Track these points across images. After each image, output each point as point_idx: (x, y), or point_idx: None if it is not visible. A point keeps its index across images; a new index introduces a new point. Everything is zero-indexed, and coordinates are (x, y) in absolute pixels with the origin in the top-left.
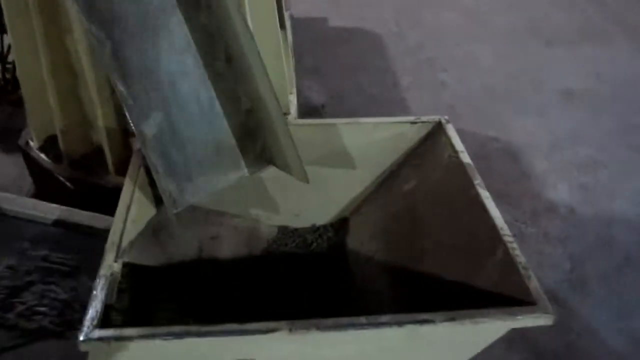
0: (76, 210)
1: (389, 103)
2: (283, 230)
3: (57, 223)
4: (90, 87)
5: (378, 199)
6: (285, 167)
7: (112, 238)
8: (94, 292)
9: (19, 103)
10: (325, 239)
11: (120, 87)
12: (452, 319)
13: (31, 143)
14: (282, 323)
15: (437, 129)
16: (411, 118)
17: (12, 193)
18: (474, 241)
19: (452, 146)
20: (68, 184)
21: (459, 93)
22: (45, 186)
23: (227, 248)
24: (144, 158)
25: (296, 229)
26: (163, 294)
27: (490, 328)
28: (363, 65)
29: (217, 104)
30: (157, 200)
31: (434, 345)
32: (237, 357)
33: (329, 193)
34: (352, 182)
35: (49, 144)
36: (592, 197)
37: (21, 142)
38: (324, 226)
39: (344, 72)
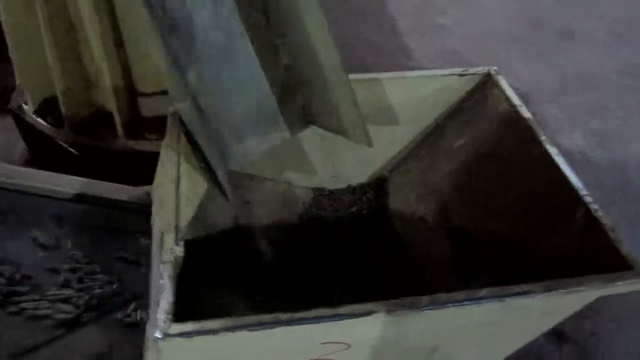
0: (98, 182)
1: (389, 50)
2: (319, 192)
3: (80, 197)
4: (94, 43)
5: (422, 156)
6: (339, 129)
7: (167, 218)
8: (161, 282)
9: None
10: (364, 201)
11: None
12: (550, 289)
13: (25, 107)
14: (379, 304)
15: (487, 81)
16: (458, 70)
17: (2, 161)
18: (545, 203)
19: (508, 99)
20: (72, 149)
21: (460, 37)
22: (44, 153)
23: (263, 214)
24: (182, 123)
25: (332, 191)
26: (204, 269)
27: (584, 296)
28: (358, 9)
29: (255, 59)
30: (207, 170)
31: (525, 316)
32: (326, 341)
33: (366, 151)
34: (392, 139)
35: (46, 107)
36: (605, 141)
37: (13, 105)
38: (362, 186)
39: (338, 17)
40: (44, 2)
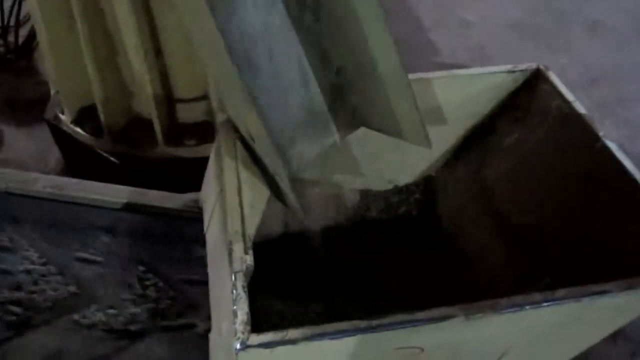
0: (144, 191)
1: (416, 46)
2: (365, 194)
3: (129, 207)
4: (133, 52)
5: (472, 155)
6: (396, 132)
7: (234, 226)
8: (236, 292)
9: (21, 72)
10: (412, 201)
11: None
12: (629, 288)
13: (61, 116)
14: (456, 309)
15: (537, 77)
16: (507, 67)
17: (35, 170)
18: (610, 200)
19: (561, 95)
20: (112, 158)
21: (485, 32)
22: (82, 162)
23: (313, 219)
24: (235, 129)
25: (379, 192)
26: (257, 277)
27: None
28: None
29: (305, 62)
30: (265, 177)
31: (600, 316)
32: (401, 346)
33: (413, 151)
34: (440, 139)
35: (83, 117)
36: (638, 132)
37: (48, 115)
38: (408, 186)
39: None
40: (82, 11)
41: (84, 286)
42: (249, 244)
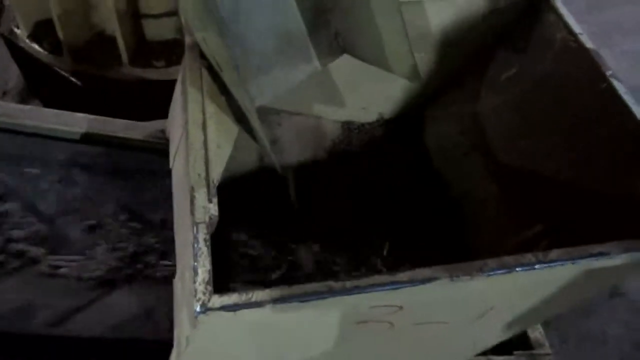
0: (106, 119)
1: None
2: (348, 126)
3: (88, 137)
4: None
5: (466, 87)
6: (381, 61)
7: (196, 169)
8: (197, 246)
9: None
10: (398, 135)
11: None
12: (629, 250)
13: (17, 31)
14: (440, 270)
15: (541, 5)
16: None
17: None
18: (613, 147)
19: (567, 26)
20: (73, 78)
21: None
22: (42, 82)
23: (290, 152)
24: (202, 57)
25: (363, 124)
26: (228, 214)
27: None
28: None
29: None
30: (235, 113)
31: (595, 275)
32: (379, 305)
33: (402, 80)
34: (431, 68)
35: (41, 31)
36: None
37: (3, 29)
38: (395, 119)
39: None
40: None
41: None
42: (214, 191)
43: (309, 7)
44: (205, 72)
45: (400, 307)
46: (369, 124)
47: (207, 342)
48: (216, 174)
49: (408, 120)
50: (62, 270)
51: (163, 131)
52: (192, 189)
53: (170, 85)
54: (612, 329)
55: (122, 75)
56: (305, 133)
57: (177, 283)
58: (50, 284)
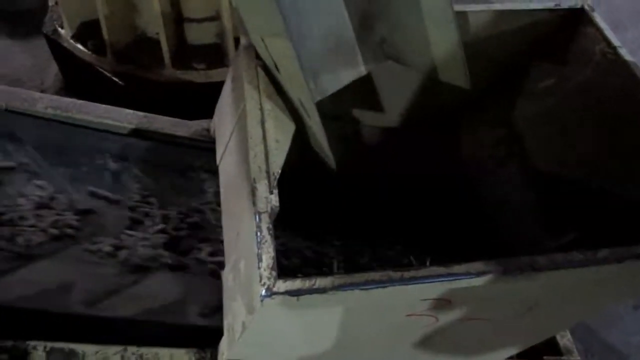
0: (154, 116)
1: None
2: (385, 131)
3: (136, 132)
4: None
5: (502, 97)
6: (430, 69)
7: (257, 162)
8: (260, 234)
9: None
10: (435, 141)
11: None
12: None
13: (61, 31)
14: (495, 264)
15: (580, 18)
16: (549, 4)
17: (31, 87)
18: None
19: (606, 39)
20: (115, 79)
21: None
22: (82, 81)
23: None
24: (257, 56)
25: (399, 131)
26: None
27: None
28: None
29: None
30: (290, 112)
31: (635, 277)
32: (429, 298)
33: (438, 88)
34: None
35: (85, 32)
36: None
37: (47, 29)
38: (431, 127)
39: None
40: None
41: (91, 215)
42: (274, 183)
43: (356, 12)
44: (260, 72)
45: (449, 301)
46: (406, 130)
47: (263, 327)
48: (276, 168)
49: (444, 128)
50: (100, 254)
51: (208, 130)
52: (254, 181)
53: (210, 87)
54: (636, 340)
55: (163, 77)
56: (341, 136)
57: (228, 275)
58: (88, 266)
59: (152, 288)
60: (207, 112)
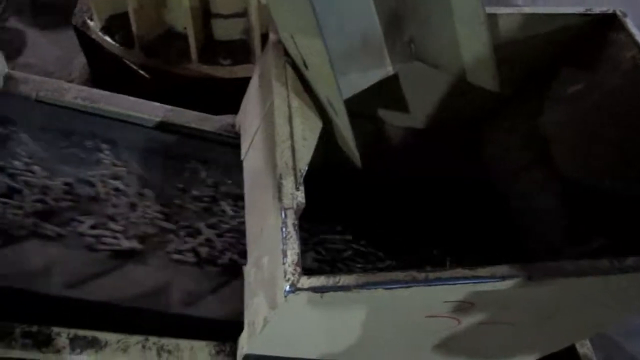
0: (181, 110)
1: None
2: (408, 132)
3: (163, 126)
4: None
5: (528, 102)
6: (458, 69)
7: (283, 158)
8: (285, 230)
9: None
10: (458, 144)
11: None
12: None
13: (90, 23)
14: (520, 268)
15: (612, 24)
16: (580, 9)
17: (58, 78)
18: None
19: (638, 46)
20: (142, 72)
21: None
22: (109, 73)
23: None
24: (286, 53)
25: (422, 132)
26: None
27: None
28: None
29: None
30: (318, 108)
31: None
32: (452, 300)
33: (465, 91)
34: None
35: (114, 25)
36: None
37: (76, 21)
38: (455, 129)
39: None
40: None
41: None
42: (300, 180)
43: (385, 12)
44: (289, 69)
45: (472, 304)
46: (429, 132)
47: (284, 323)
48: (303, 164)
49: (469, 130)
50: (92, 240)
51: (233, 125)
52: (280, 177)
53: (234, 83)
54: None
55: (190, 72)
56: (364, 136)
57: (250, 270)
58: (76, 252)
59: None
60: (231, 107)
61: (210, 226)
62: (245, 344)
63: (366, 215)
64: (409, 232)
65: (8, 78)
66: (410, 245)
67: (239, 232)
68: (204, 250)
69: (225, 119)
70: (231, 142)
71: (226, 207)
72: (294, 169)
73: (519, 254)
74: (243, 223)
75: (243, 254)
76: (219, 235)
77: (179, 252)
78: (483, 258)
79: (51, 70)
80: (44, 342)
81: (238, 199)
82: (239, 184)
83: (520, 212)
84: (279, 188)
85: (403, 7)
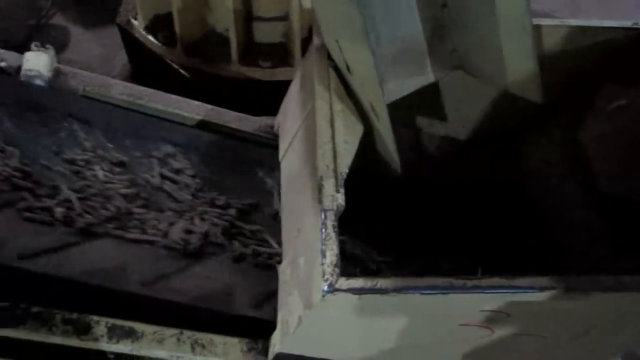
0: (221, 110)
1: None
2: (444, 141)
3: (203, 124)
4: None
5: (568, 114)
6: (501, 80)
7: (325, 160)
8: (325, 231)
9: None
10: (496, 155)
11: None
12: None
13: (134, 22)
14: (558, 280)
15: None
16: (626, 23)
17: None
18: None
19: None
20: (182, 71)
21: None
22: (150, 71)
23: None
24: (329, 57)
25: (459, 141)
26: None
27: None
28: None
29: None
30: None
31: None
32: (488, 309)
33: (503, 102)
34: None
35: (157, 24)
36: None
37: (120, 19)
38: (492, 140)
39: None
40: None
41: (152, 199)
42: (341, 182)
43: (429, 20)
44: (332, 73)
45: (508, 314)
46: (465, 141)
47: (318, 323)
48: (343, 167)
49: (505, 141)
50: (156, 239)
51: (271, 126)
52: (321, 179)
53: (273, 85)
54: None
55: (229, 72)
56: (400, 142)
57: (286, 269)
58: (143, 250)
59: (202, 275)
60: (269, 109)
61: None
62: (277, 342)
63: (398, 221)
64: (441, 240)
65: (57, 72)
66: (441, 253)
67: None
68: None
69: (265, 120)
70: (270, 144)
71: None
72: (335, 171)
73: (555, 268)
74: None
75: None
76: None
77: None
78: (517, 270)
79: (93, 66)
80: (84, 330)
81: None
82: None
83: (556, 225)
84: (319, 189)
85: (447, 16)
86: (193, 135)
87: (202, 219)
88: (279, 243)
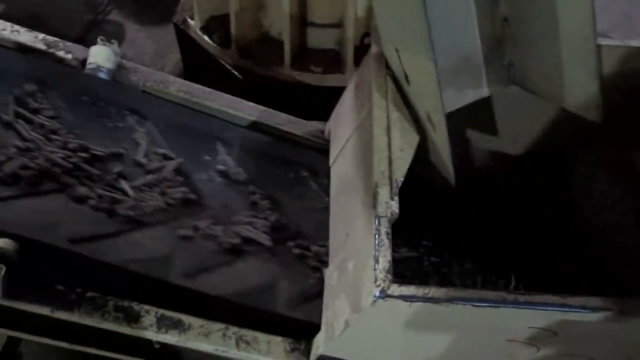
0: (273, 112)
1: None
2: (494, 155)
3: (256, 125)
4: None
5: (623, 135)
6: (560, 99)
7: (380, 167)
8: (379, 237)
9: None
10: (545, 173)
11: None
12: None
13: (190, 21)
14: (613, 302)
15: None
16: None
17: None
18: None
19: None
20: (235, 72)
21: None
22: (202, 71)
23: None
24: (387, 66)
25: (509, 157)
26: None
27: None
28: None
29: (472, 4)
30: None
31: None
32: (536, 327)
33: (554, 118)
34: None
35: (213, 25)
36: None
37: (177, 18)
38: (543, 158)
39: None
40: None
41: (199, 195)
42: (396, 190)
43: (488, 34)
44: (389, 81)
45: (555, 333)
46: (516, 157)
47: (365, 327)
48: (399, 175)
49: (556, 159)
50: (200, 232)
51: (322, 131)
52: (376, 185)
53: (324, 91)
54: None
55: (281, 76)
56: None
57: (332, 272)
58: (187, 242)
59: (245, 273)
60: (318, 114)
61: None
62: (321, 344)
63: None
64: (486, 256)
65: (120, 67)
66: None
67: None
68: None
69: (316, 124)
70: (319, 147)
71: None
72: (390, 178)
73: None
74: None
75: None
76: None
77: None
78: (564, 289)
79: (146, 63)
80: (134, 318)
81: None
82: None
83: (606, 248)
84: (374, 196)
85: (507, 31)
86: (245, 135)
87: (251, 219)
88: None
